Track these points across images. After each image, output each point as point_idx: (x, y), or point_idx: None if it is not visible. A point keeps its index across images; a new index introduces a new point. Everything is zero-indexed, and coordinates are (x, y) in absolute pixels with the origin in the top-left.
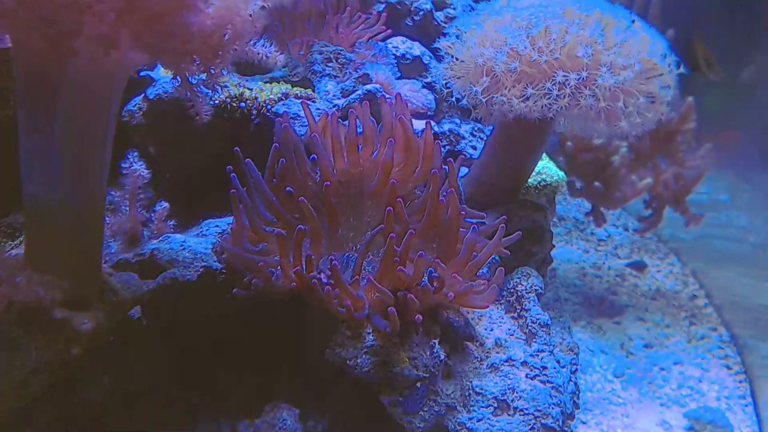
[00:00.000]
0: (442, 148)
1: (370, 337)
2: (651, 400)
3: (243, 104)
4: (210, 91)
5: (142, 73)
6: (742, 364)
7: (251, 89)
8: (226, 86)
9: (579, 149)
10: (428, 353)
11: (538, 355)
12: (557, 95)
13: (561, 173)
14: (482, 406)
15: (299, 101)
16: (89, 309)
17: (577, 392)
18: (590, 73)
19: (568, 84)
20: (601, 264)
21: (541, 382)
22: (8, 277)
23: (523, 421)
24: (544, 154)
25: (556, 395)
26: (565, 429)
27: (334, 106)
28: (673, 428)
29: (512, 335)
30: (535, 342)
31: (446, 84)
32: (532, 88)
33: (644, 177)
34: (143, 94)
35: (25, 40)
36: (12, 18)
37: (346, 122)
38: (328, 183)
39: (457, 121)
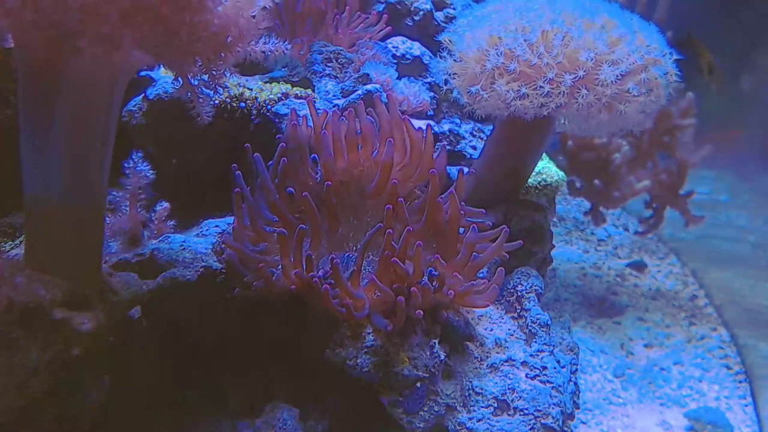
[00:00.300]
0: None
1: (370, 337)
2: (651, 400)
3: (243, 104)
4: (211, 92)
5: (142, 73)
6: (742, 364)
7: (251, 89)
8: (226, 86)
9: (580, 148)
10: (428, 353)
11: (538, 355)
12: (549, 92)
13: (561, 173)
14: (482, 406)
15: (299, 101)
16: (89, 309)
17: (577, 392)
18: (589, 72)
19: (564, 83)
20: (601, 264)
21: (541, 382)
22: (8, 277)
23: (523, 421)
24: (544, 154)
25: (556, 395)
26: (565, 429)
27: (334, 106)
28: (673, 428)
29: (512, 335)
30: (535, 342)
31: (445, 81)
32: (527, 88)
33: (643, 177)
34: (143, 94)
35: (28, 40)
36: (16, 17)
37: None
38: (329, 183)
39: (457, 121)
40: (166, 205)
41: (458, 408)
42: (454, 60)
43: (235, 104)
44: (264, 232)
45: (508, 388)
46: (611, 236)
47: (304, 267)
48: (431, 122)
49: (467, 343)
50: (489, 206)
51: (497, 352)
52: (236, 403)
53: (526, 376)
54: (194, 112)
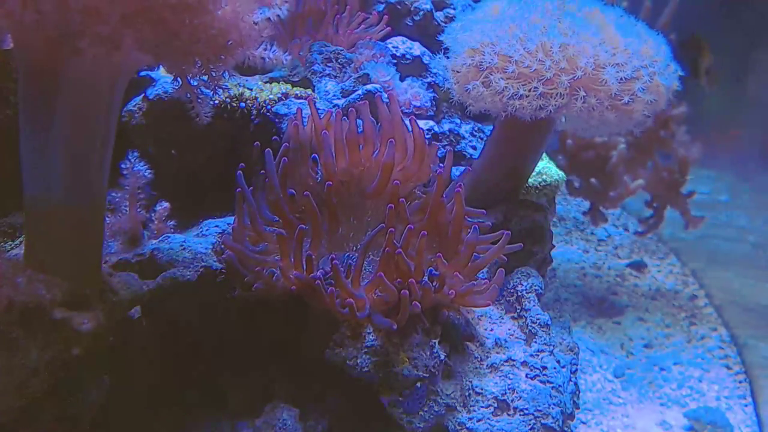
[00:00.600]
0: (442, 148)
1: (371, 336)
2: (651, 400)
3: (243, 104)
4: (211, 93)
5: (142, 73)
6: (742, 364)
7: (251, 89)
8: (226, 86)
9: (580, 147)
10: (428, 353)
11: (538, 355)
12: (546, 93)
13: (561, 173)
14: (482, 406)
15: (299, 101)
16: (89, 309)
17: (577, 392)
18: (588, 74)
19: (561, 84)
20: (601, 264)
21: (541, 382)
22: (9, 277)
23: (523, 421)
24: (544, 154)
25: (556, 395)
26: (565, 429)
27: (334, 106)
28: (673, 428)
29: (512, 335)
30: (535, 342)
31: (445, 80)
32: (525, 89)
33: (643, 177)
34: (143, 94)
35: (28, 40)
36: (16, 18)
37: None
38: (330, 183)
39: (457, 121)
40: (166, 205)
41: (458, 408)
42: (454, 60)
43: (235, 104)
44: (264, 232)
45: (508, 388)
46: (611, 236)
47: (305, 267)
48: (431, 122)
49: (467, 342)
50: (489, 206)
51: (497, 352)
52: (236, 403)
53: (526, 376)
54: (193, 112)
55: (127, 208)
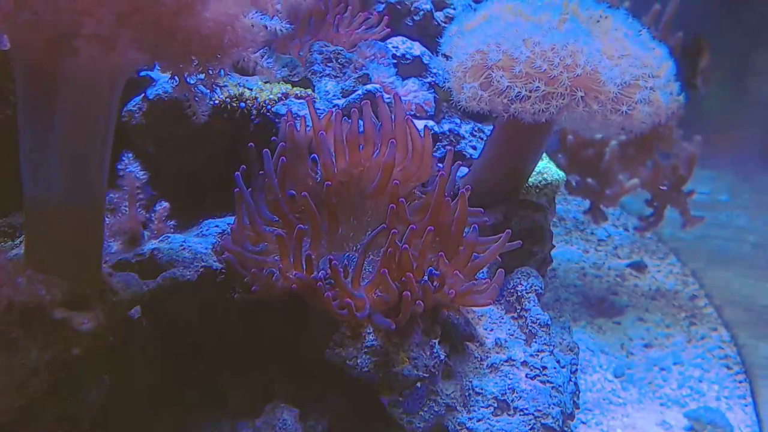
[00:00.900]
0: (442, 149)
1: (371, 336)
2: (651, 400)
3: (243, 104)
4: (208, 91)
5: (142, 73)
6: (742, 364)
7: (251, 89)
8: (225, 86)
9: (580, 144)
10: (428, 353)
11: (538, 355)
12: (548, 95)
13: (561, 173)
14: (482, 406)
15: (299, 101)
16: (89, 309)
17: (577, 392)
18: (588, 73)
19: (562, 82)
20: (601, 264)
21: (541, 382)
22: (9, 277)
23: (523, 421)
24: (544, 154)
25: (556, 395)
26: (565, 429)
27: (334, 106)
28: (673, 428)
29: (512, 335)
30: (535, 342)
31: (445, 80)
32: (527, 90)
33: (643, 175)
34: (143, 94)
35: (25, 41)
36: (10, 19)
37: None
38: (329, 183)
39: (457, 121)
40: (165, 204)
41: (458, 408)
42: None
43: (234, 104)
44: (263, 232)
45: (508, 388)
46: (611, 236)
47: (304, 267)
48: (431, 122)
49: (467, 342)
50: (489, 206)
51: (497, 352)
52: (236, 403)
53: (526, 376)
54: (190, 110)
55: (127, 208)
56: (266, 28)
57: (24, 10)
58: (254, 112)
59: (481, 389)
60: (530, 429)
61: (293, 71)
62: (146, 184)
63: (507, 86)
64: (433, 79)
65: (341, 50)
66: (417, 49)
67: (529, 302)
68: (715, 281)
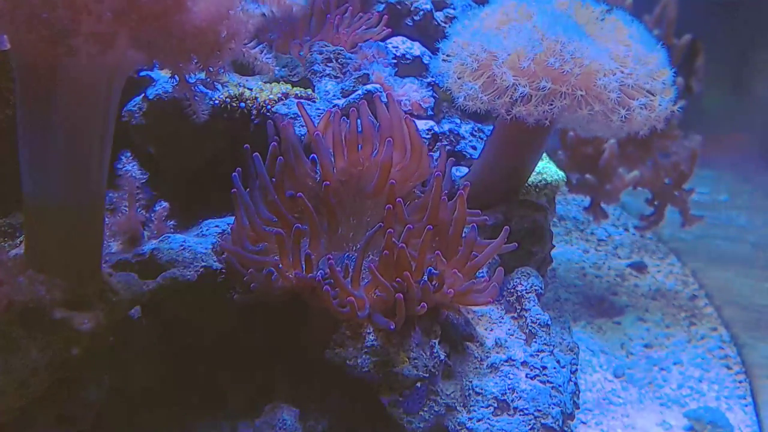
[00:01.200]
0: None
1: (371, 337)
2: (651, 400)
3: (243, 104)
4: (209, 90)
5: (142, 73)
6: (742, 364)
7: (251, 89)
8: (226, 86)
9: (580, 141)
10: (428, 353)
11: (538, 355)
12: (551, 93)
13: (561, 173)
14: (482, 406)
15: (299, 101)
16: (89, 309)
17: (577, 392)
18: (588, 73)
19: (565, 83)
20: (601, 264)
21: (541, 382)
22: (9, 277)
23: (523, 421)
24: (544, 154)
25: (556, 395)
26: (565, 429)
27: (334, 106)
28: (673, 428)
29: (512, 335)
30: (535, 342)
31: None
32: (530, 89)
33: (643, 173)
34: (143, 94)
35: (23, 40)
36: (8, 18)
37: (347, 121)
38: (328, 182)
39: (457, 121)
40: (165, 204)
41: (458, 408)
42: (455, 60)
43: (235, 104)
44: (263, 231)
45: (508, 388)
46: (611, 236)
47: (303, 267)
48: (431, 122)
49: (467, 342)
50: (489, 206)
51: (497, 352)
52: (236, 403)
53: (526, 376)
54: (190, 110)
55: (127, 208)
56: (263, 15)
57: (20, 8)
58: (254, 112)
59: (481, 389)
60: (530, 429)
61: (293, 71)
62: (146, 184)
63: (512, 83)
64: (433, 79)
65: (341, 50)
66: (417, 49)
67: (529, 302)
68: (715, 281)
